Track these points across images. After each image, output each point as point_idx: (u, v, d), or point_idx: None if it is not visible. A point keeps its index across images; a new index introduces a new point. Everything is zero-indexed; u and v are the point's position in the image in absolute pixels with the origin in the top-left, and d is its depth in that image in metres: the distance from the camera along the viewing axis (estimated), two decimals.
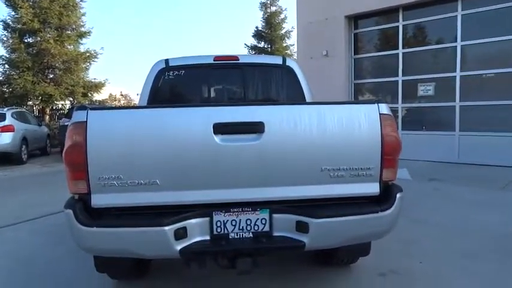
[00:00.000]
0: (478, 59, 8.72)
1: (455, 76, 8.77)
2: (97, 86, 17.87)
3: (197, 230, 2.10)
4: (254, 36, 26.71)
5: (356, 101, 2.49)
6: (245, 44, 27.03)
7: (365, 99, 9.78)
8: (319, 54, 10.71)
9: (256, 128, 2.08)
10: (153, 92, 3.71)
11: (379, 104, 2.20)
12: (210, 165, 2.07)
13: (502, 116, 8.24)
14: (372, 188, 2.20)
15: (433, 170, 7.88)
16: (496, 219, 4.52)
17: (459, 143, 8.76)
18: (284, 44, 27.02)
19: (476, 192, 5.95)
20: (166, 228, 1.99)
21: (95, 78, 18.14)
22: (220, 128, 2.06)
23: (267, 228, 2.17)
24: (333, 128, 2.13)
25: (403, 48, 9.63)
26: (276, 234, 2.17)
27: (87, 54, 17.49)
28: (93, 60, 17.71)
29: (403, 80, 9.64)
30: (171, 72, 3.83)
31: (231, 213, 2.15)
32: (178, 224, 2.03)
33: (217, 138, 2.06)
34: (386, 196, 2.21)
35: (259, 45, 26.68)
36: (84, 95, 17.43)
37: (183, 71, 3.83)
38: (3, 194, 6.81)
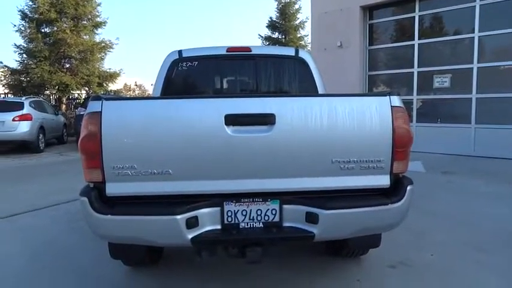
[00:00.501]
0: (496, 50, 8.53)
1: (472, 68, 8.59)
2: (112, 76, 18.08)
3: (208, 219, 2.14)
4: (268, 26, 26.55)
5: (367, 93, 2.48)
6: (259, 35, 26.94)
7: (376, 92, 9.70)
8: (333, 45, 10.61)
9: (267, 119, 2.10)
10: (167, 83, 3.75)
11: (391, 96, 2.19)
12: (222, 156, 2.10)
13: None
14: (383, 181, 2.21)
15: (448, 163, 7.79)
16: (509, 213, 4.47)
17: (475, 135, 8.62)
18: (298, 35, 26.80)
19: (490, 185, 5.88)
20: (178, 217, 2.04)
21: (110, 69, 18.37)
22: (232, 120, 2.09)
23: (277, 219, 2.20)
24: (344, 120, 2.14)
25: (419, 39, 9.46)
26: (285, 224, 2.20)
27: (103, 44, 17.68)
28: (108, 51, 17.91)
29: (418, 72, 9.50)
30: (184, 63, 3.86)
31: (242, 204, 2.19)
32: (190, 213, 2.07)
33: (228, 130, 2.08)
34: (396, 188, 2.21)
35: (273, 36, 26.52)
36: (100, 84, 17.67)
37: (196, 62, 3.86)
38: (20, 181, 7.00)
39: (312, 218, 2.13)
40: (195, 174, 2.11)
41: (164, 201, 2.12)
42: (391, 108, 2.16)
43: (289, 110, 2.12)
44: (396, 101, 2.20)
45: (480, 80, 8.53)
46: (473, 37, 8.53)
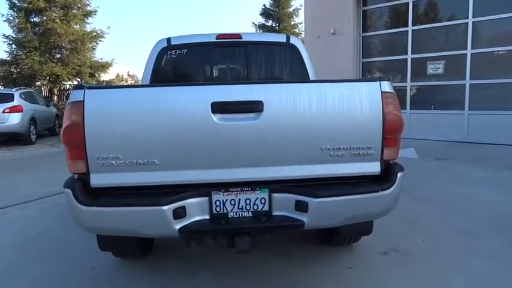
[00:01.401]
0: (490, 36, 8.49)
1: (466, 54, 8.55)
2: (104, 66, 17.88)
3: (196, 210, 2.11)
4: (262, 14, 26.32)
5: (357, 79, 2.44)
6: (253, 23, 26.68)
7: (367, 77, 9.65)
8: (326, 32, 10.51)
9: (255, 106, 2.05)
10: (155, 72, 3.68)
11: (381, 82, 2.15)
12: (209, 144, 2.05)
13: None
14: (373, 168, 2.18)
15: (441, 149, 7.81)
16: (500, 199, 4.48)
17: (468, 122, 8.63)
18: (292, 23, 26.60)
19: (483, 171, 5.89)
20: (165, 207, 2.00)
21: (102, 58, 18.17)
22: (219, 107, 2.04)
23: (266, 208, 2.17)
24: (334, 107, 2.09)
25: (413, 25, 9.39)
26: (275, 213, 2.17)
27: (94, 33, 17.44)
28: (99, 40, 17.69)
29: (412, 58, 9.45)
30: (173, 51, 3.79)
31: (230, 193, 2.15)
32: (177, 203, 2.04)
33: (215, 118, 2.03)
34: (387, 175, 2.19)
35: (267, 24, 26.30)
36: (91, 75, 17.48)
37: (185, 50, 3.79)
38: (12, 173, 6.93)
39: (301, 207, 2.10)
40: (181, 164, 2.07)
41: (150, 192, 2.08)
42: (382, 94, 2.12)
43: (277, 97, 2.08)
44: (386, 86, 2.15)
45: (474, 66, 8.50)
46: (467, 23, 8.47)
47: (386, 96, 2.13)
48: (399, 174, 2.17)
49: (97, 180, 2.04)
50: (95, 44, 17.61)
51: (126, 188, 2.08)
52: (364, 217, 2.31)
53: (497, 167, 6.17)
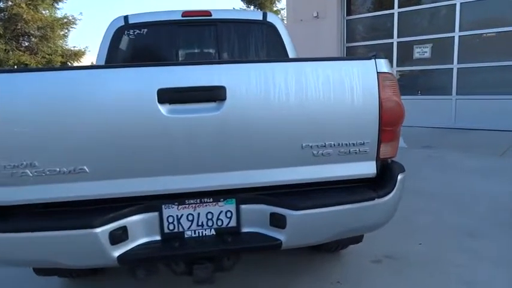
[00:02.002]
0: (478, 18, 8.12)
1: (454, 36, 8.19)
2: (76, 55, 16.96)
3: (142, 229, 1.63)
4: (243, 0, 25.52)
5: (347, 57, 2.01)
6: (233, 9, 25.89)
7: (359, 56, 9.15)
8: (309, 16, 10.02)
9: (215, 94, 1.57)
10: (110, 55, 3.14)
11: (377, 60, 1.69)
12: (156, 145, 1.56)
13: (502, 77, 7.78)
14: (367, 169, 1.73)
15: (430, 137, 7.48)
16: (498, 190, 4.14)
17: (456, 107, 8.33)
18: (274, 8, 25.93)
19: (474, 159, 5.57)
20: (98, 230, 1.51)
21: (74, 46, 17.25)
22: (167, 95, 1.55)
23: (233, 223, 1.70)
24: (317, 92, 1.63)
25: (398, 7, 8.96)
26: (244, 230, 1.71)
27: (65, 20, 16.47)
28: (71, 27, 16.73)
29: (398, 42, 9.05)
30: (132, 30, 3.24)
31: (187, 206, 1.67)
32: (115, 223, 1.55)
33: (163, 109, 1.54)
34: (384, 178, 1.74)
35: (249, 9, 25.54)
36: (63, 64, 16.55)
37: (146, 30, 3.25)
38: None
39: (278, 221, 1.65)
40: (120, 171, 1.58)
41: (79, 210, 1.58)
42: (378, 75, 1.67)
43: (244, 81, 1.60)
44: (384, 65, 1.70)
45: (461, 49, 8.16)
46: (455, 4, 8.08)
47: (383, 77, 1.67)
48: (399, 177, 1.73)
49: (5, 196, 1.53)
50: (66, 31, 16.65)
51: (45, 204, 1.57)
52: (357, 231, 1.87)
53: (488, 154, 5.86)
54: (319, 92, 1.63)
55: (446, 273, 2.53)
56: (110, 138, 1.53)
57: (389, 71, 1.70)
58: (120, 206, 1.59)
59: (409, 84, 9.17)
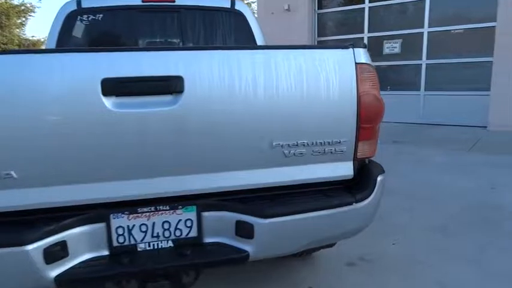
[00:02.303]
0: (446, 14, 8.21)
1: (423, 32, 8.25)
2: (35, 45, 16.06)
3: (86, 244, 1.39)
4: None
5: (322, 46, 1.82)
6: None
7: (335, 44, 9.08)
8: (280, 8, 9.85)
9: (171, 85, 1.35)
10: (61, 43, 2.83)
11: (355, 49, 1.52)
12: (100, 144, 1.33)
13: (468, 74, 7.92)
14: (344, 170, 1.56)
15: (398, 132, 7.51)
16: (467, 186, 4.13)
17: (424, 103, 8.43)
18: (246, 2, 25.62)
19: (443, 154, 5.60)
20: (29, 247, 1.26)
21: (33, 36, 16.32)
22: (114, 86, 1.31)
23: (193, 233, 1.49)
24: (289, 85, 1.44)
25: (369, 2, 8.94)
26: (207, 240, 1.50)
27: (22, 7, 15.52)
28: (29, 15, 15.79)
29: (368, 37, 9.03)
30: (85, 16, 2.94)
31: (139, 215, 1.45)
32: (52, 237, 1.30)
33: (108, 102, 1.31)
34: (362, 180, 1.59)
35: None
36: None
37: (101, 15, 2.96)
38: None
39: (244, 230, 1.45)
40: (57, 176, 1.33)
41: (6, 221, 1.33)
42: (356, 66, 1.49)
43: (205, 70, 1.38)
44: (362, 55, 1.53)
45: (430, 45, 8.24)
46: (425, 0, 8.14)
47: (362, 69, 1.50)
48: (379, 178, 1.58)
49: None
50: (23, 19, 15.72)
51: None
52: (333, 239, 1.71)
53: (456, 149, 5.92)
54: (291, 84, 1.44)
55: (419, 275, 2.43)
56: (44, 136, 1.28)
57: (369, 62, 1.54)
58: (59, 217, 1.34)
59: (379, 79, 9.18)
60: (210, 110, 1.37)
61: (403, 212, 3.47)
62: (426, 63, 8.30)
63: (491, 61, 7.37)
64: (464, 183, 4.22)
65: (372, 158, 1.64)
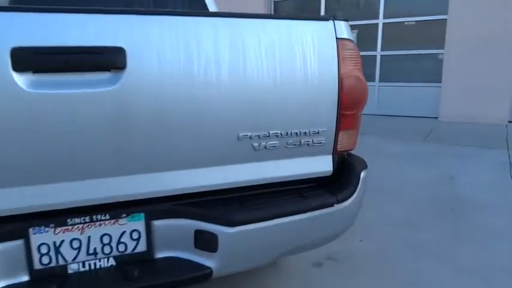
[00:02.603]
0: (401, 5, 8.31)
1: (378, 23, 8.30)
2: None
3: None
4: None
5: (297, 16, 1.53)
6: None
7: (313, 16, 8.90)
8: None
9: (108, 59, 1.04)
10: None
11: (336, 22, 1.28)
12: (12, 137, 0.99)
13: (421, 65, 8.08)
14: (322, 165, 1.33)
15: None
16: (427, 176, 4.12)
17: (378, 94, 8.52)
18: None
19: (399, 145, 5.63)
20: None
21: None
22: (29, 59, 0.98)
23: (142, 247, 1.19)
24: (258, 63, 1.18)
25: None
26: (159, 255, 1.21)
27: None
28: None
29: None
30: None
31: (70, 228, 1.13)
32: None
33: (22, 80, 0.97)
34: (343, 176, 1.36)
35: None
36: None
37: None
38: None
39: (206, 242, 1.18)
40: None
41: None
42: (337, 42, 1.26)
43: (154, 41, 1.08)
44: (344, 30, 1.29)
45: (385, 36, 8.32)
46: None
47: (344, 45, 1.27)
48: (362, 175, 1.36)
49: None
50: None
51: None
52: (310, 246, 1.47)
53: (412, 140, 5.98)
54: (260, 62, 1.18)
55: (390, 274, 2.29)
56: None
57: (351, 37, 1.31)
58: None
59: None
60: (161, 92, 1.08)
61: (367, 206, 3.35)
62: (381, 55, 8.38)
63: (443, 53, 7.55)
64: (424, 174, 4.21)
65: (351, 151, 1.43)
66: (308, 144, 1.27)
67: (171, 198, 1.20)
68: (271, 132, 1.22)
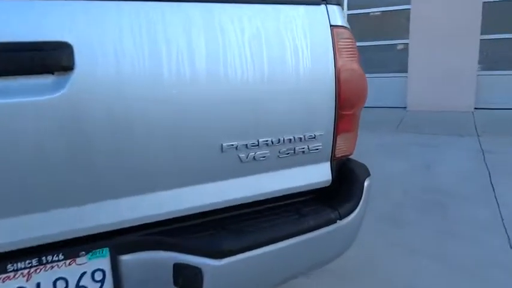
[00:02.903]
0: None
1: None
2: None
3: None
4: None
5: (284, 0, 1.34)
6: None
7: None
8: None
9: (50, 58, 0.80)
10: None
11: (329, 6, 1.09)
12: None
13: (388, 56, 8.12)
14: (319, 175, 1.15)
15: None
16: (404, 168, 4.07)
17: None
18: None
19: (371, 136, 5.60)
20: None
21: None
22: None
23: None
24: (241, 58, 0.97)
25: None
26: None
27: None
28: None
29: None
30: None
31: (12, 274, 0.88)
32: None
33: None
34: (344, 186, 1.18)
35: None
36: None
37: None
38: None
39: (188, 278, 0.96)
40: None
41: None
42: (332, 30, 1.07)
43: (109, 33, 0.85)
44: (338, 16, 1.11)
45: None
46: None
47: (339, 34, 1.08)
48: (366, 183, 1.19)
49: None
50: None
51: None
52: (307, 270, 1.28)
53: (384, 131, 5.97)
54: (245, 56, 0.97)
55: (382, 277, 2.16)
56: None
57: (346, 25, 1.12)
58: None
59: None
60: (120, 96, 0.85)
61: None
62: None
63: (407, 43, 7.61)
64: (400, 165, 4.16)
65: (350, 156, 1.25)
66: (303, 152, 1.08)
67: (142, 227, 0.97)
68: (260, 140, 1.01)
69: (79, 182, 0.86)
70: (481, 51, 6.92)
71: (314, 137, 1.08)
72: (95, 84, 0.82)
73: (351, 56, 1.10)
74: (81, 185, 0.86)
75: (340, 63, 1.07)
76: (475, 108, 6.95)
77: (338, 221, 1.08)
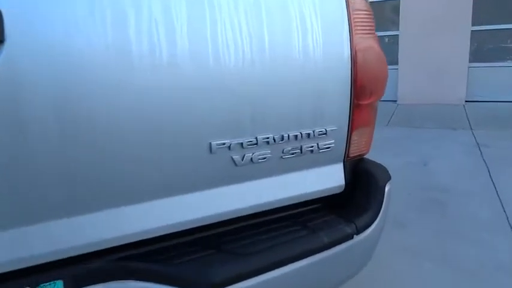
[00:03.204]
0: None
1: None
2: None
3: None
4: None
5: None
6: None
7: None
8: None
9: None
10: None
11: None
12: None
13: None
14: (330, 178, 0.94)
15: None
16: (398, 163, 3.90)
17: None
18: None
19: None
20: None
21: None
22: None
23: None
24: (233, 32, 0.75)
25: None
26: None
27: None
28: None
29: None
30: None
31: None
32: None
33: None
34: (360, 192, 0.97)
35: None
36: None
37: None
38: None
39: None
40: None
41: None
42: (348, 12, 0.85)
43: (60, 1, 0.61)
44: None
45: None
46: None
47: (356, 16, 0.87)
48: (386, 188, 0.98)
49: None
50: None
51: None
52: None
53: (376, 124, 5.73)
54: (240, 31, 0.75)
55: (389, 279, 1.98)
56: None
57: (366, 8, 0.91)
58: None
59: None
60: (72, 80, 0.62)
61: None
62: None
63: (397, 34, 7.46)
64: (396, 161, 3.99)
65: (366, 156, 1.04)
66: (312, 151, 0.87)
67: (108, 251, 0.75)
68: (259, 137, 0.80)
69: (15, 195, 0.63)
70: (471, 43, 6.82)
71: (325, 133, 0.87)
72: (32, 61, 0.59)
73: (369, 31, 0.89)
74: (18, 198, 0.63)
75: (356, 40, 0.86)
76: (466, 101, 6.85)
77: (355, 236, 0.88)
